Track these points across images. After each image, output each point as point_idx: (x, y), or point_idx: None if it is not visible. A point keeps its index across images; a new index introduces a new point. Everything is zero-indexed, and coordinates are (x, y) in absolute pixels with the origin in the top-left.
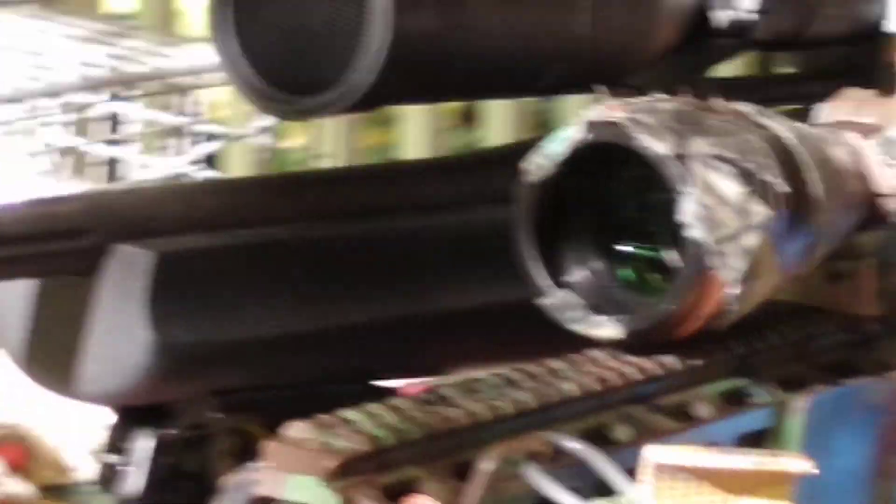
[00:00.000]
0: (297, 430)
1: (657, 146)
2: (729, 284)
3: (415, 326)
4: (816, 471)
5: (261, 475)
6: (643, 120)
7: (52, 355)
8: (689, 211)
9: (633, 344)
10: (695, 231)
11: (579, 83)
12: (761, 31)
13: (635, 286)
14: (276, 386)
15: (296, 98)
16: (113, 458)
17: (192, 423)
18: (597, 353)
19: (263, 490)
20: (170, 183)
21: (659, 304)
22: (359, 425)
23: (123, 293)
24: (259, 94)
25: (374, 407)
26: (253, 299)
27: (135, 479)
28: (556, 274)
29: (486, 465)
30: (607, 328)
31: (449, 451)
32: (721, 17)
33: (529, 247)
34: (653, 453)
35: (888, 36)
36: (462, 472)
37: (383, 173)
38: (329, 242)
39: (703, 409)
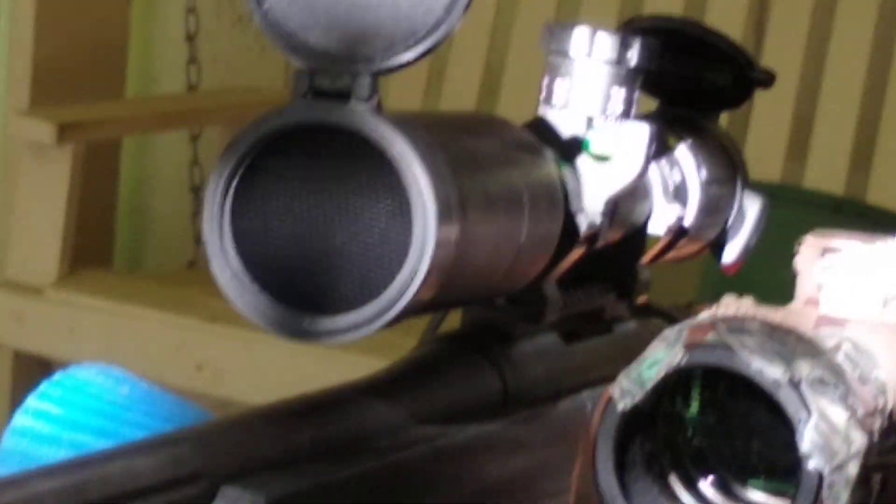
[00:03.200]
0: None
1: (770, 371)
2: None
3: None
4: None
5: None
6: (747, 342)
7: None
8: (808, 440)
9: None
10: (814, 462)
11: None
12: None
13: None
14: None
15: (317, 320)
16: None
17: None
18: None
19: None
20: (262, 409)
21: None
22: None
23: None
24: (268, 313)
25: None
26: None
27: None
28: None
29: None
30: None
31: None
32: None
33: (611, 482)
34: None
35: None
36: None
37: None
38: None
39: None
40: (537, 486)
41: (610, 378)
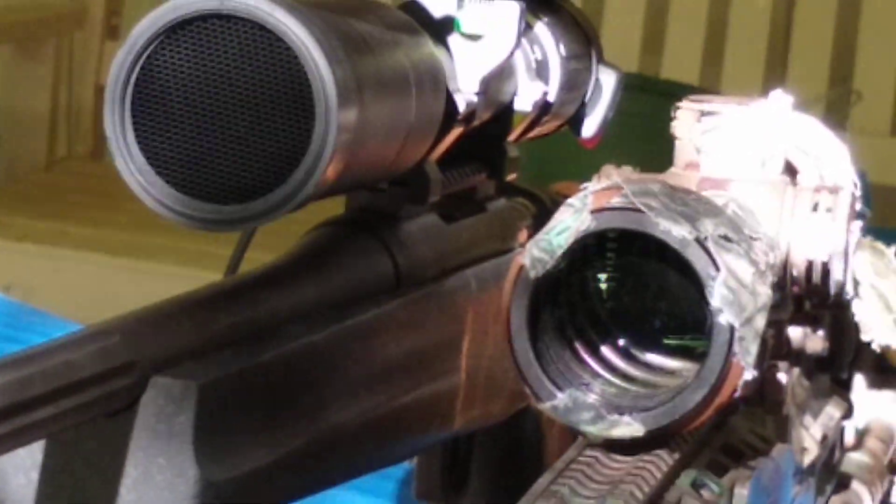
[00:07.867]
0: None
1: (677, 230)
2: (745, 370)
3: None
4: None
5: None
6: (652, 203)
7: None
8: (718, 295)
9: (643, 440)
10: (724, 316)
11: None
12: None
13: (643, 379)
14: None
15: (226, 209)
16: None
17: None
18: (597, 454)
19: None
20: (180, 299)
21: (682, 396)
22: None
23: (168, 430)
24: (176, 206)
25: None
26: (277, 418)
27: None
28: (551, 372)
29: None
30: (626, 427)
31: None
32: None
33: (526, 348)
34: None
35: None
36: None
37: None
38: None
39: None
40: (432, 364)
41: (489, 255)
